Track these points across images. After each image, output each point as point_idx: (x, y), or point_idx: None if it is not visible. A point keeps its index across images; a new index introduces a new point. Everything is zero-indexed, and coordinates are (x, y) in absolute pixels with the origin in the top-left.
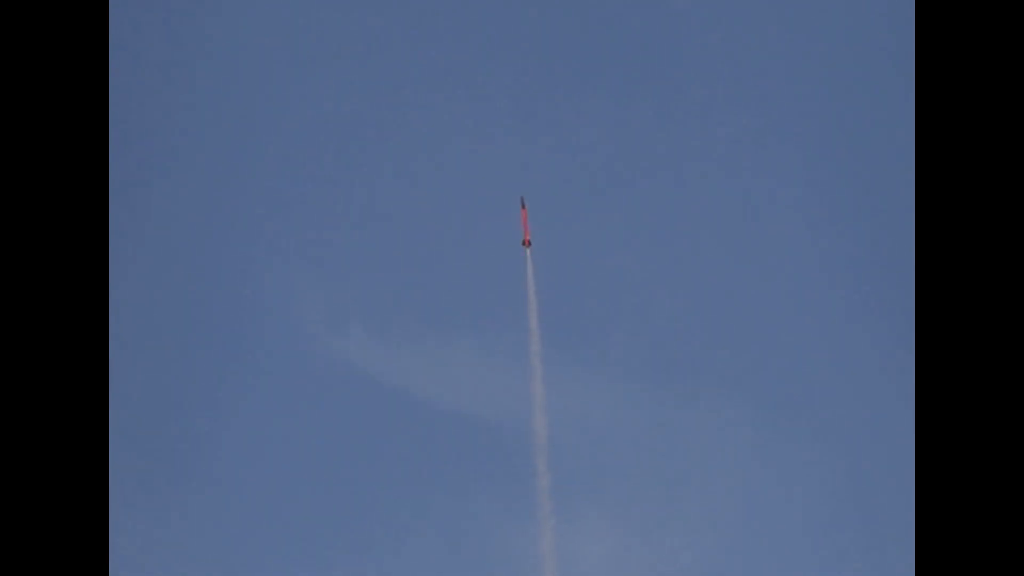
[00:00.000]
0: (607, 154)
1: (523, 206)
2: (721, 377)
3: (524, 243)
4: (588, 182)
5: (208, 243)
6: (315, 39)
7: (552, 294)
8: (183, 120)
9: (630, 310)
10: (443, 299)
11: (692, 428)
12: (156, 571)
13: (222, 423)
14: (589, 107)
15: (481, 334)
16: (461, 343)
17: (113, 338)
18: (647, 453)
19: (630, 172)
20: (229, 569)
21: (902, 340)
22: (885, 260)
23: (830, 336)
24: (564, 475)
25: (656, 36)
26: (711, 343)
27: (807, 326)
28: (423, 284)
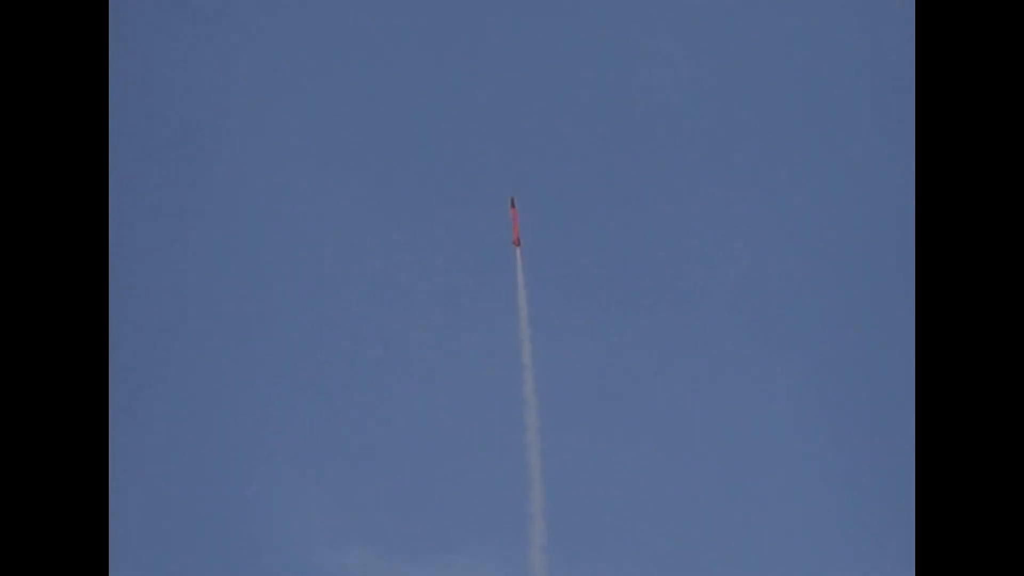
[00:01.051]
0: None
1: (512, 205)
2: None
3: (514, 242)
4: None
5: (207, 452)
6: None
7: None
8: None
9: (633, 532)
10: (446, 517)
11: None
12: None
13: None
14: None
15: (483, 552)
16: (463, 561)
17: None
18: None
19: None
20: None
21: None
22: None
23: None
24: None
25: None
26: None
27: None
28: (427, 501)
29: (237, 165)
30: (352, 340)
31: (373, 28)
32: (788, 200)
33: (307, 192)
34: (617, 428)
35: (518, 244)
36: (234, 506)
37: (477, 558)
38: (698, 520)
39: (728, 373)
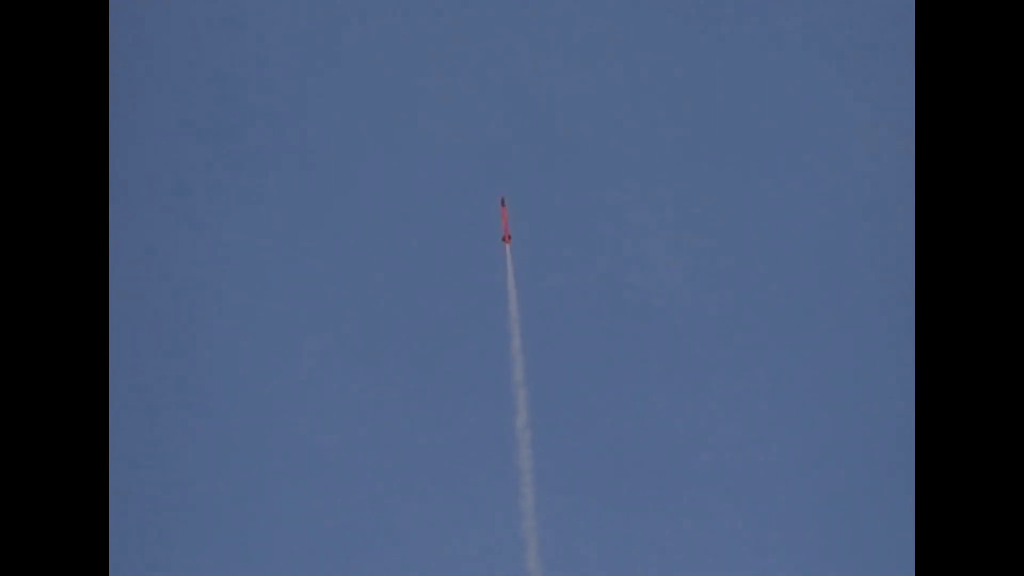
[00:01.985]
0: None
1: (503, 204)
2: None
3: (504, 239)
4: None
5: None
6: None
7: None
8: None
9: None
10: None
11: None
12: None
13: None
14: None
15: None
16: None
17: None
18: None
19: None
20: None
21: None
22: None
23: None
24: None
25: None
26: None
27: None
28: None
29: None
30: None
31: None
32: (790, 385)
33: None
34: None
35: (508, 241)
36: None
37: None
38: None
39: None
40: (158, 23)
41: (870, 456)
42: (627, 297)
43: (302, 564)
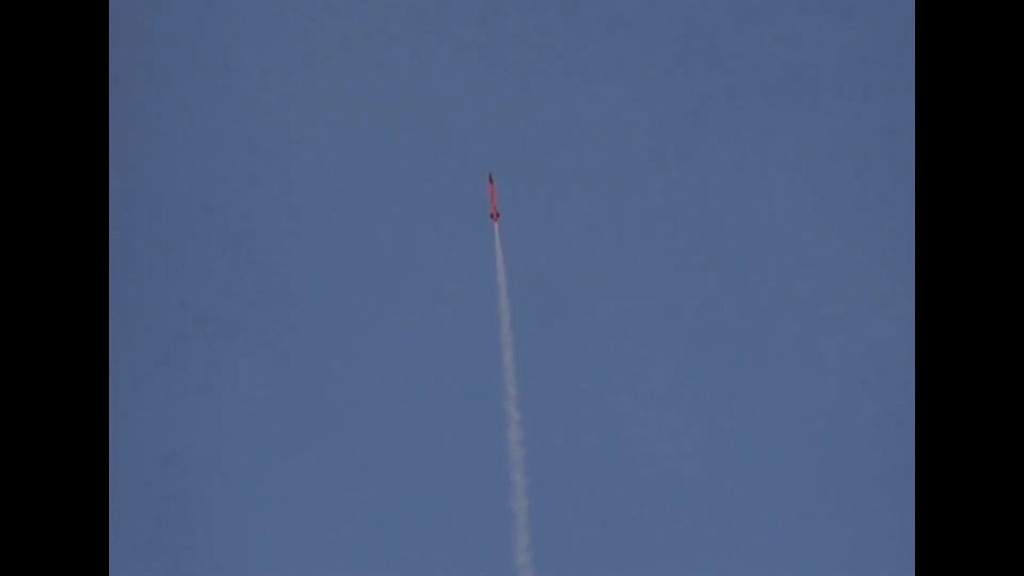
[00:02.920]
0: None
1: (491, 181)
2: None
3: (492, 216)
4: None
5: None
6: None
7: None
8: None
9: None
10: None
11: None
12: None
13: None
14: None
15: None
16: None
17: None
18: None
19: None
20: None
21: None
22: None
23: None
24: None
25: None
26: None
27: None
28: None
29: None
30: None
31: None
32: (789, 553)
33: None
34: None
35: (496, 218)
36: None
37: None
38: None
39: None
40: (156, 215)
41: None
42: (629, 467)
43: None
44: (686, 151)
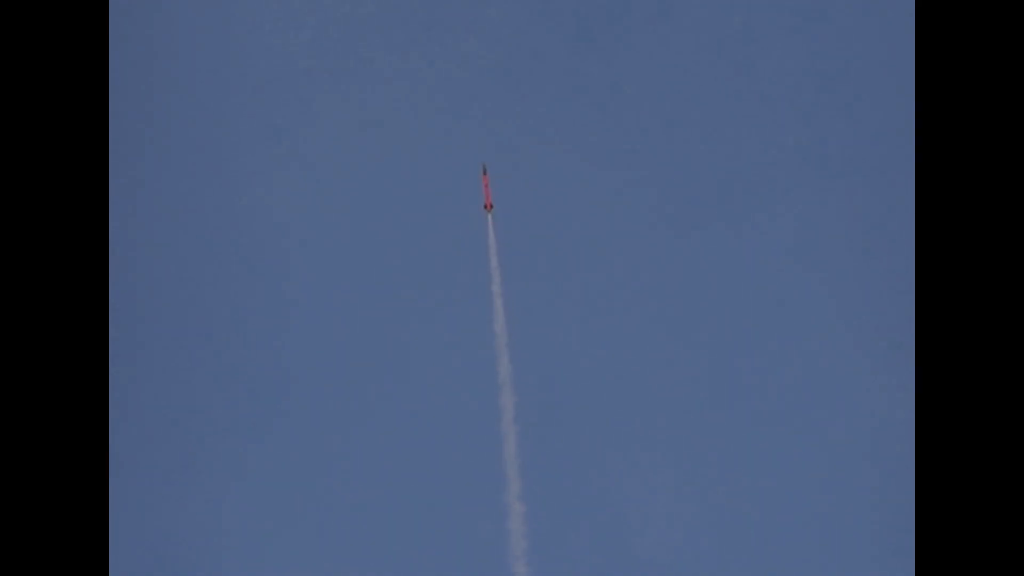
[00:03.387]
0: None
1: (484, 172)
2: None
3: (485, 207)
4: None
5: None
6: None
7: None
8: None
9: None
10: None
11: None
12: None
13: None
14: None
15: None
16: None
17: None
18: None
19: None
20: None
21: None
22: None
23: None
24: None
25: None
26: None
27: None
28: None
29: None
30: None
31: None
32: None
33: None
34: None
35: (489, 209)
36: None
37: None
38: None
39: None
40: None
41: None
42: (630, 554)
43: None
44: (687, 231)
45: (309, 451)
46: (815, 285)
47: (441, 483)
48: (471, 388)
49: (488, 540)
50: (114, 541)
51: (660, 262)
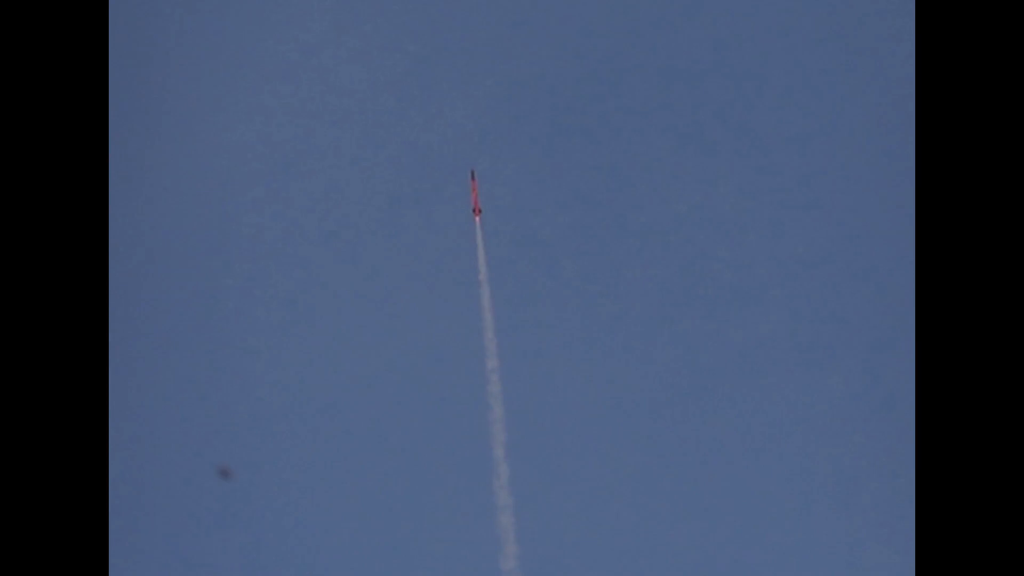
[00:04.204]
0: None
1: (473, 178)
2: None
3: (474, 211)
4: None
5: None
6: None
7: None
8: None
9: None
10: None
11: None
12: None
13: None
14: None
15: None
16: None
17: None
18: None
19: None
20: None
21: None
22: None
23: None
24: None
25: None
26: None
27: None
28: None
29: None
30: None
31: None
32: None
33: None
34: None
35: (478, 213)
36: None
37: None
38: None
39: None
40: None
41: None
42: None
43: None
44: (686, 410)
45: (309, 450)
46: (814, 461)
47: (429, 496)
48: (460, 393)
49: (477, 541)
50: (114, 541)
51: (663, 434)
